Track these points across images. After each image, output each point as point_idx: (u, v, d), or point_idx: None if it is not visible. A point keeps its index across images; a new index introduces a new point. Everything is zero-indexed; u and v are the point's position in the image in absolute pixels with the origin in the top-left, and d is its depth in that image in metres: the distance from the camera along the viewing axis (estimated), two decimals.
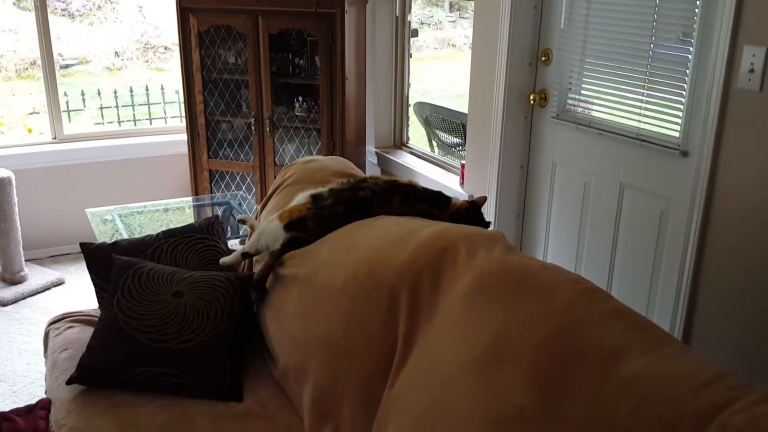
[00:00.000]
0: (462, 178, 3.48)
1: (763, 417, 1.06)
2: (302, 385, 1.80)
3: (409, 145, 4.30)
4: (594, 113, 2.76)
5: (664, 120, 2.42)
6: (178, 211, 3.56)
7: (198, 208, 3.69)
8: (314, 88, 3.86)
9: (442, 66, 8.57)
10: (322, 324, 1.77)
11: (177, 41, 3.83)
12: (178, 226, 2.41)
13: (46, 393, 2.07)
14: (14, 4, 5.87)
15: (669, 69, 2.37)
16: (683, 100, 2.32)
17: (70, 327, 2.25)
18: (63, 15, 6.89)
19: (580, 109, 2.82)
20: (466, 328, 1.45)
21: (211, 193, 4.09)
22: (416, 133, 4.57)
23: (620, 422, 1.15)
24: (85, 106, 5.24)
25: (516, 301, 1.43)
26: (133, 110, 5.13)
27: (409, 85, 4.22)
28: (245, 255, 2.15)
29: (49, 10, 4.00)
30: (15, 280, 3.73)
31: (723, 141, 2.13)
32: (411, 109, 4.38)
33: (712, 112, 2.13)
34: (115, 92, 5.06)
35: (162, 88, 5.18)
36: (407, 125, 4.33)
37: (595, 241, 2.79)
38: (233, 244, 2.95)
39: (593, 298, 1.40)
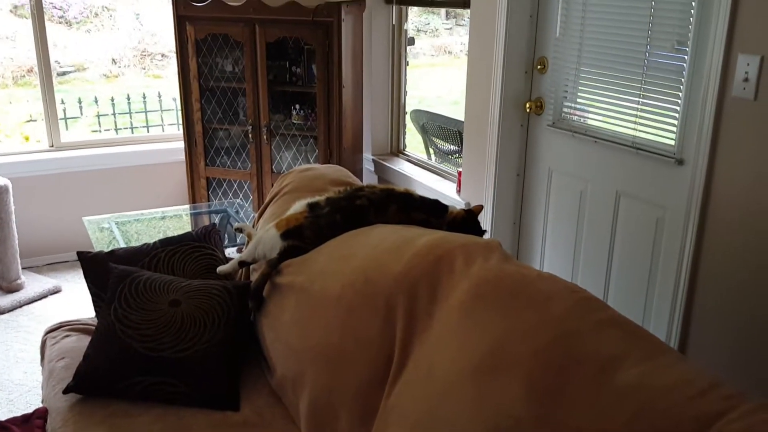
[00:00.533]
0: (459, 185, 3.49)
1: (758, 426, 1.07)
2: (299, 394, 1.80)
3: (406, 152, 4.31)
4: (590, 121, 2.78)
5: (659, 128, 2.43)
6: (175, 219, 3.56)
7: (195, 216, 3.69)
8: (311, 96, 3.87)
9: (439, 73, 8.59)
10: (318, 333, 1.77)
11: (174, 48, 3.84)
12: (175, 234, 2.41)
13: (42, 402, 2.07)
14: (11, 11, 5.87)
15: (664, 77, 2.38)
16: (678, 108, 2.34)
17: (67, 336, 2.25)
18: (60, 22, 6.89)
19: (575, 117, 2.83)
20: (462, 336, 1.46)
21: (209, 200, 4.09)
22: (413, 141, 4.58)
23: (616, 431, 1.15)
24: (82, 114, 5.23)
25: (513, 310, 1.43)
26: (131, 118, 5.13)
27: (405, 92, 4.23)
28: (242, 263, 2.15)
29: (46, 18, 4.00)
30: (12, 288, 3.72)
31: (718, 149, 2.14)
32: (408, 117, 4.39)
33: (707, 121, 2.14)
34: (112, 100, 5.05)
35: (159, 96, 5.17)
36: (404, 133, 4.34)
37: (592, 249, 2.80)
38: (230, 252, 2.95)
39: (589, 307, 1.40)
